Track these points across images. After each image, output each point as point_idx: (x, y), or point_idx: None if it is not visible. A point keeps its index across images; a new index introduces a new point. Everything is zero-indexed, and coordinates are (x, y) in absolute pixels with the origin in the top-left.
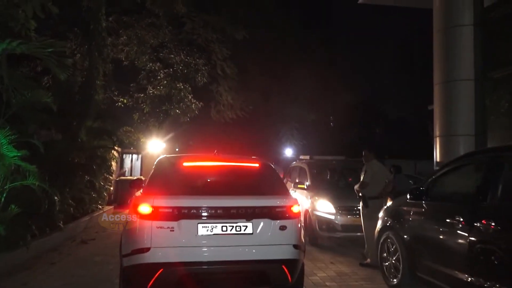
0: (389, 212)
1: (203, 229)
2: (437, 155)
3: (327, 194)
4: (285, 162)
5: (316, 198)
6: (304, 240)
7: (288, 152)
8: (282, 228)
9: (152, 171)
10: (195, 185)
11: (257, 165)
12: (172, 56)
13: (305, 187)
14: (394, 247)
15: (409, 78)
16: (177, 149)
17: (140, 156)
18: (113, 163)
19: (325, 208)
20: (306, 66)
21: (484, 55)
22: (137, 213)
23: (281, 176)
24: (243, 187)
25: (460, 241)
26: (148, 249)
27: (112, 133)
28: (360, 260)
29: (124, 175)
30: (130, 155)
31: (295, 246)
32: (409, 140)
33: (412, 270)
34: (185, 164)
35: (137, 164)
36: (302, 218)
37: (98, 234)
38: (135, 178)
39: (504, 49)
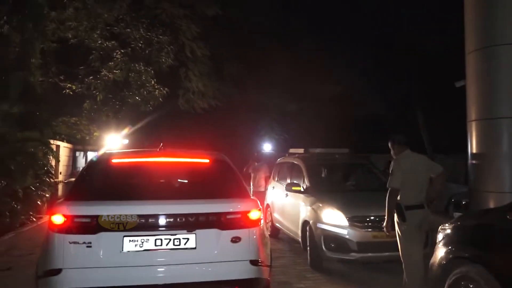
0: (464, 233)
1: (130, 244)
2: (472, 145)
3: (334, 199)
4: (267, 158)
5: (320, 205)
6: (309, 262)
7: (267, 147)
8: (235, 240)
9: (81, 171)
10: (128, 187)
11: (207, 160)
12: (129, 30)
13: (302, 189)
14: None
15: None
16: (146, 144)
17: (97, 154)
18: (52, 161)
19: (333, 219)
20: (286, 51)
21: None
22: (50, 224)
23: (266, 176)
24: (187, 189)
25: None
26: (59, 271)
27: (42, 122)
28: None
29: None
30: (84, 152)
31: (253, 262)
32: (359, 134)
33: None
34: (119, 162)
35: None
36: (299, 232)
37: (21, 259)
38: None
39: None
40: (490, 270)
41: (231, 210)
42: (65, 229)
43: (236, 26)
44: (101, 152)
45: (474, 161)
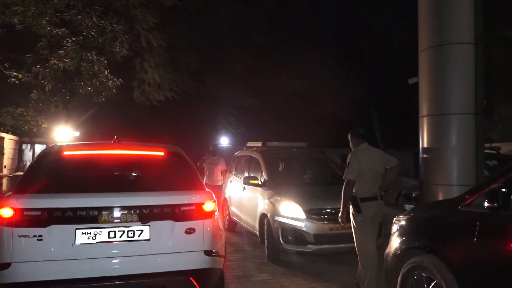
0: (417, 224)
1: (83, 237)
2: (423, 140)
3: (292, 192)
4: (224, 152)
5: (278, 198)
6: (267, 255)
7: (224, 140)
8: (189, 231)
9: (31, 163)
10: (80, 180)
11: (162, 153)
12: (80, 17)
13: (260, 183)
14: (433, 284)
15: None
16: (98, 136)
17: (45, 146)
18: None
19: (290, 212)
20: (244, 45)
21: (489, 10)
22: None
23: (223, 170)
24: (142, 182)
25: None
26: (8, 265)
27: None
28: None
29: (23, 170)
30: (31, 145)
31: (207, 253)
32: (315, 129)
33: None
34: (72, 154)
35: None
36: (257, 225)
37: None
38: None
39: None
40: (443, 260)
41: (185, 202)
42: (14, 223)
43: (194, 17)
44: (52, 144)
45: (424, 155)
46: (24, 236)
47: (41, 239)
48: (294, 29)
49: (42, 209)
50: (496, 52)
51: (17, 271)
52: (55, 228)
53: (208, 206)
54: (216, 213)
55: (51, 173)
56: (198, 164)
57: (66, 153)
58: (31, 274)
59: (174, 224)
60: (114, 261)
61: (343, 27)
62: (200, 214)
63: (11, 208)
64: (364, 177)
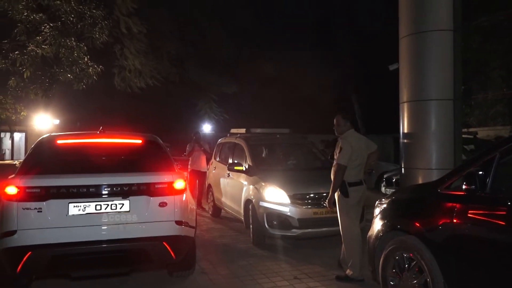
0: (398, 207)
1: (74, 209)
2: (404, 125)
3: (276, 178)
4: (208, 139)
5: (262, 184)
6: (252, 239)
7: (207, 127)
8: (162, 204)
9: (29, 151)
10: (72, 164)
11: (140, 141)
12: (58, 2)
13: (245, 169)
14: (414, 263)
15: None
16: (78, 124)
17: (24, 134)
18: None
19: (275, 197)
20: (224, 30)
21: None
22: (3, 194)
23: (206, 155)
24: (123, 164)
25: None
26: (14, 232)
27: None
28: (336, 271)
29: (2, 159)
30: (9, 133)
31: (177, 222)
32: (297, 115)
33: None
34: (64, 142)
35: (21, 145)
36: (242, 211)
37: None
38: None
39: None
40: (423, 240)
41: (158, 180)
42: (19, 198)
43: (175, 2)
44: (45, 135)
45: (405, 140)
46: (27, 208)
47: (41, 211)
48: (275, 13)
49: (41, 187)
50: (473, 40)
51: (22, 237)
52: (51, 202)
53: (178, 184)
54: (187, 190)
55: (47, 159)
56: (186, 154)
57: (59, 141)
58: (32, 238)
59: (149, 198)
60: (100, 228)
61: (324, 11)
62: (171, 191)
63: (16, 186)
64: (354, 162)
